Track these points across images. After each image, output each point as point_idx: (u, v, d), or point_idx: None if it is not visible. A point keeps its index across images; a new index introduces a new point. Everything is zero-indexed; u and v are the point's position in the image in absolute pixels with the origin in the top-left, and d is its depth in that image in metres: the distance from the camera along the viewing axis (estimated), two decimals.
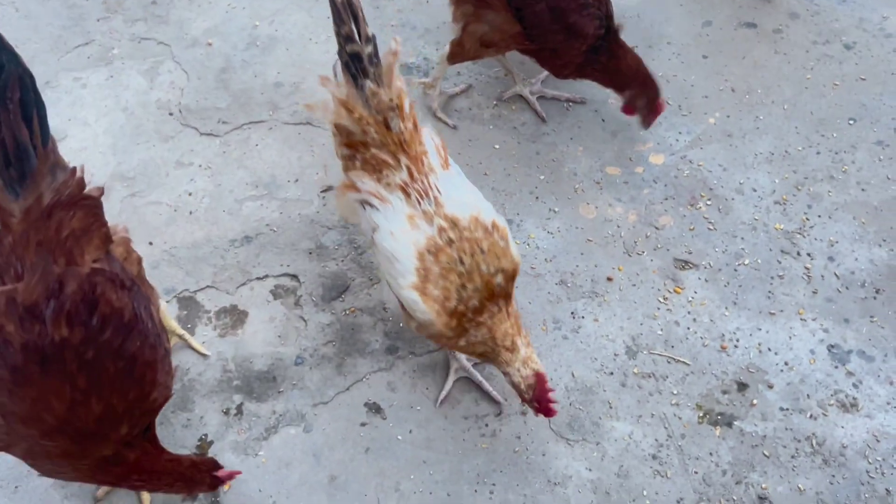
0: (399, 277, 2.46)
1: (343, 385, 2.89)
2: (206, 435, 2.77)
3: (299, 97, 3.64)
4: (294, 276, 3.14)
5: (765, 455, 2.75)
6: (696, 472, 2.72)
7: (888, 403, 2.87)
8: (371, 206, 2.53)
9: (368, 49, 2.50)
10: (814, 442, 2.78)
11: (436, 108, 3.55)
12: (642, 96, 3.32)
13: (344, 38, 2.50)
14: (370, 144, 2.54)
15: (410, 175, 2.50)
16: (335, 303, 3.08)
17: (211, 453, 2.73)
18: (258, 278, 3.13)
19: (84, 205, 2.21)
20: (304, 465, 2.73)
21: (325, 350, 2.97)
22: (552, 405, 2.47)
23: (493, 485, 2.70)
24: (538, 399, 2.47)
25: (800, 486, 2.70)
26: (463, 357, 2.86)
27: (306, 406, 2.85)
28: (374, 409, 2.85)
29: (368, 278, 3.13)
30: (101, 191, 2.31)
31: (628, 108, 3.39)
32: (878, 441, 2.78)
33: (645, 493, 2.68)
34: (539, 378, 2.47)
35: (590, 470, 2.73)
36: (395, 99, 2.52)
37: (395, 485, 2.70)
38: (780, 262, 3.20)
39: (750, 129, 3.58)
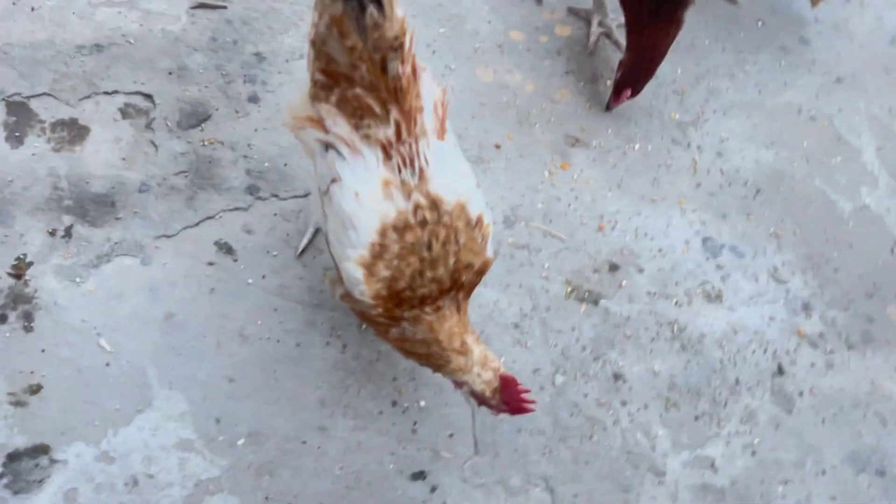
0: (348, 247, 2.03)
1: (192, 220, 2.61)
2: (24, 255, 2.44)
3: None
4: (148, 97, 2.77)
5: (626, 335, 2.72)
6: (556, 345, 2.65)
7: (751, 299, 2.88)
8: (338, 152, 2.03)
9: None
10: (675, 328, 2.77)
11: None
12: (629, 78, 2.94)
13: None
14: (356, 82, 1.98)
15: (398, 133, 2.00)
16: (193, 131, 2.75)
17: (30, 275, 2.41)
18: (106, 93, 2.74)
19: None
20: (137, 299, 2.46)
21: (175, 180, 2.66)
22: (528, 404, 2.08)
23: (348, 339, 2.54)
24: (509, 402, 2.08)
25: (655, 367, 2.69)
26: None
27: (147, 237, 2.55)
28: (225, 248, 2.59)
29: (235, 110, 2.81)
30: None
31: (616, 71, 2.99)
32: (735, 333, 2.80)
33: (502, 359, 2.59)
34: (504, 380, 2.08)
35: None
36: (400, 36, 1.94)
37: (239, 329, 2.48)
38: (669, 152, 3.12)
39: None
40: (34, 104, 2.67)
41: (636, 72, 2.97)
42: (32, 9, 2.82)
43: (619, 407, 2.61)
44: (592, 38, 3.25)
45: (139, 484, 2.24)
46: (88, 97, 2.72)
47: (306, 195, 2.71)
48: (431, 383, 2.52)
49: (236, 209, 2.65)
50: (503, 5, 3.29)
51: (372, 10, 1.87)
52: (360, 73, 1.97)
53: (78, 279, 2.45)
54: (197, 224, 2.61)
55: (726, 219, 3.02)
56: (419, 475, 2.41)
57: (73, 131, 2.66)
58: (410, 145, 2.02)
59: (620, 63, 2.98)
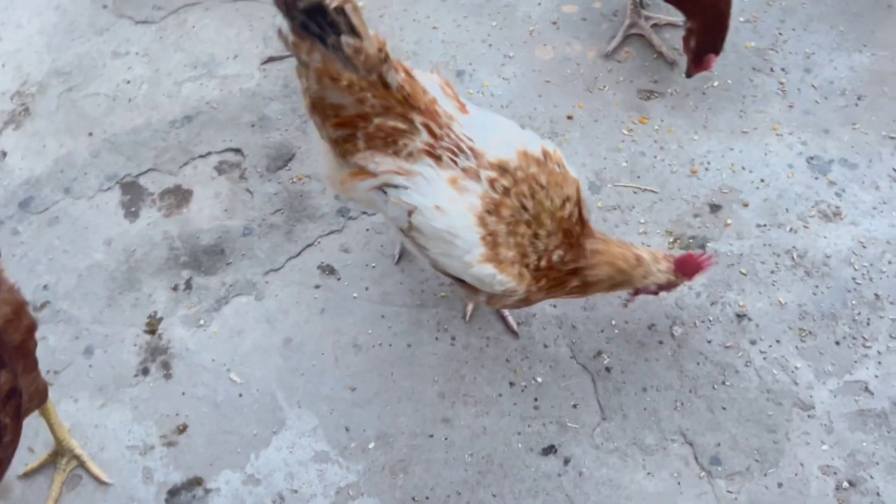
0: (464, 255, 2.03)
1: (294, 251, 2.76)
2: (154, 312, 2.67)
3: None
4: (237, 150, 2.99)
5: (742, 273, 2.57)
6: (666, 297, 2.55)
7: (874, 209, 2.65)
8: (396, 186, 2.04)
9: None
10: (794, 255, 2.59)
11: None
12: (707, 41, 2.76)
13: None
14: (370, 114, 2.00)
15: (431, 133, 2.03)
16: (281, 172, 2.93)
17: (162, 329, 2.64)
18: (201, 156, 2.99)
19: None
20: (256, 332, 2.62)
21: (273, 219, 2.83)
22: (706, 262, 2.22)
23: (455, 331, 2.57)
24: (692, 273, 2.23)
25: (780, 299, 2.52)
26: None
27: (257, 275, 2.73)
28: (328, 270, 2.72)
29: (315, 144, 2.97)
30: None
31: (685, 39, 2.83)
32: (864, 247, 2.58)
33: (614, 322, 2.53)
34: (678, 262, 2.21)
35: (555, 307, 2.57)
36: (382, 47, 1.94)
37: (352, 340, 2.58)
38: (751, 81, 2.96)
39: None
40: (143, 181, 2.95)
41: (710, 33, 2.73)
42: (129, 100, 3.15)
43: (749, 346, 2.46)
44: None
45: (285, 500, 2.36)
46: (186, 164, 2.98)
47: None
48: (546, 358, 2.50)
49: (332, 232, 2.79)
50: None
51: (346, 39, 1.88)
52: (370, 104, 1.99)
53: (202, 324, 2.65)
54: (299, 254, 2.76)
55: (829, 133, 2.82)
56: (550, 450, 2.37)
57: (178, 196, 2.92)
58: (447, 135, 2.04)
59: (688, 30, 2.77)
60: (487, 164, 2.03)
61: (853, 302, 2.50)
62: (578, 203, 2.11)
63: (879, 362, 2.40)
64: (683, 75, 2.90)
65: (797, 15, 3.09)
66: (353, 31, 1.89)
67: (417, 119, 2.01)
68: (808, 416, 2.34)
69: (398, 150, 2.02)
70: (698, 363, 2.45)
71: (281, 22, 1.94)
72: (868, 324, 2.46)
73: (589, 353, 2.49)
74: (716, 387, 2.41)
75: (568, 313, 2.56)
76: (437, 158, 2.02)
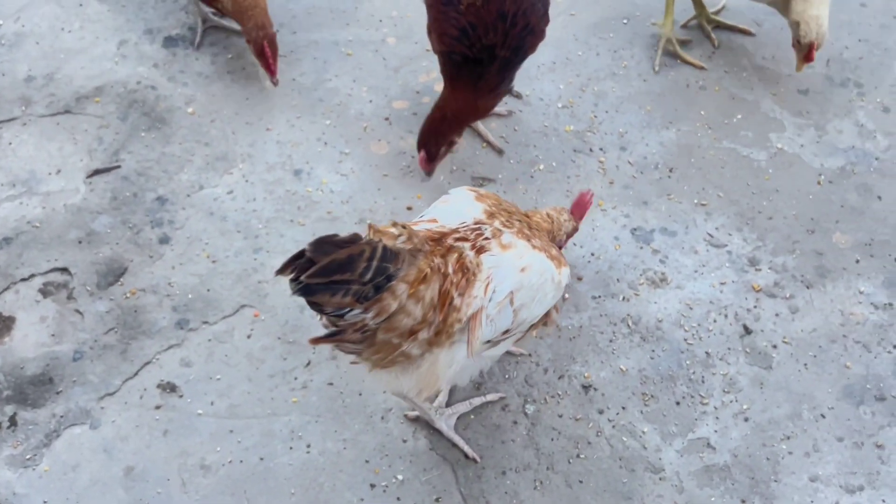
0: (553, 281, 2.21)
1: (130, 371, 2.61)
2: None
3: (54, 87, 3.33)
4: (64, 270, 2.82)
5: (583, 345, 2.67)
6: (516, 376, 2.60)
7: (695, 272, 2.85)
8: (493, 301, 2.10)
9: (378, 242, 1.91)
10: (629, 322, 2.72)
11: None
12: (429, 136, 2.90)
13: (363, 270, 1.86)
14: (445, 270, 2.04)
15: (461, 239, 2.13)
16: (113, 288, 2.78)
17: None
18: (23, 279, 2.80)
19: None
20: (94, 464, 2.43)
21: (106, 339, 2.67)
22: (588, 200, 2.64)
23: (310, 437, 2.49)
24: (582, 212, 2.64)
25: (622, 367, 2.63)
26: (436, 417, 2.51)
27: (91, 401, 2.54)
28: (169, 388, 2.58)
29: (149, 256, 2.86)
30: None
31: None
32: (690, 309, 2.75)
33: (472, 417, 2.54)
34: (573, 208, 2.61)
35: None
36: (404, 225, 2.05)
37: (199, 461, 2.44)
38: (574, 162, 3.16)
39: None
40: None
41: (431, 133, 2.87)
42: None
43: (598, 416, 2.53)
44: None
45: None
46: (7, 289, 2.77)
47: (235, 313, 2.73)
48: (405, 453, 2.46)
49: (171, 347, 2.66)
50: (379, 81, 3.40)
51: (399, 243, 1.97)
52: (438, 263, 2.03)
53: (31, 463, 2.42)
54: (136, 374, 2.60)
55: (648, 205, 3.03)
56: None
57: None
58: (463, 233, 2.17)
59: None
60: (487, 221, 2.22)
61: (687, 362, 2.65)
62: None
63: (717, 417, 2.54)
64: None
65: (608, 98, 3.35)
66: (398, 238, 1.98)
67: (451, 240, 2.11)
68: (660, 479, 2.42)
69: (473, 272, 2.09)
70: (552, 439, 2.49)
71: (353, 315, 1.90)
72: (703, 381, 2.61)
73: (447, 443, 2.47)
74: (571, 461, 2.45)
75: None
76: (483, 249, 2.14)
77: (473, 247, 2.12)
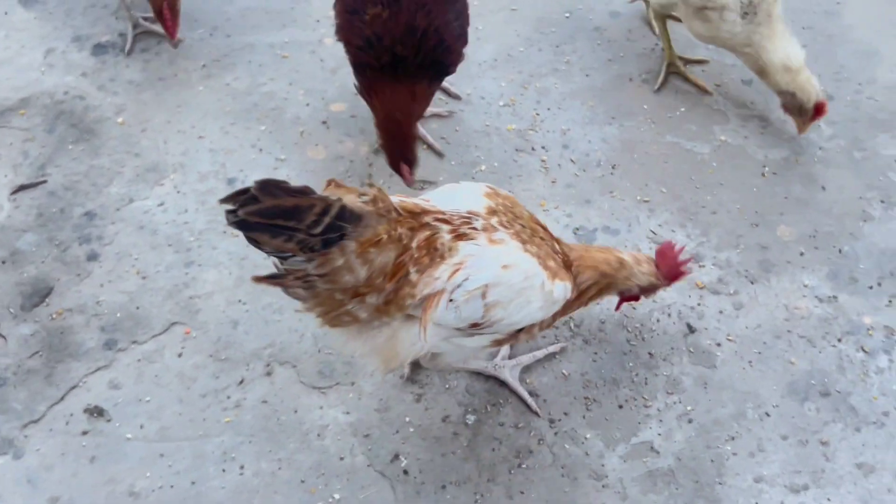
0: (542, 289, 2.10)
1: (56, 396, 2.50)
2: None
3: None
4: None
5: (524, 350, 2.61)
6: (456, 385, 2.53)
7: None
8: (459, 286, 2.01)
9: (336, 200, 1.84)
10: (571, 325, 2.66)
11: None
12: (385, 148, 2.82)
13: (313, 223, 1.80)
14: (408, 243, 1.97)
15: (444, 222, 2.05)
16: (38, 310, 2.67)
17: None
18: None
19: None
20: (16, 497, 2.32)
21: (30, 363, 2.56)
22: (684, 264, 2.40)
23: (244, 458, 2.40)
24: (671, 275, 2.40)
25: (564, 371, 2.57)
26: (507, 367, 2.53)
27: (13, 430, 2.44)
28: (96, 412, 2.48)
29: (76, 274, 2.75)
30: None
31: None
32: (633, 309, 2.69)
33: (408, 419, 2.47)
34: (658, 258, 2.38)
35: (348, 413, 2.48)
36: (372, 184, 2.00)
37: (128, 488, 2.34)
38: (516, 161, 3.09)
39: (472, 41, 3.43)
40: None
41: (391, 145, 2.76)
42: None
43: (540, 423, 2.47)
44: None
45: None
46: None
47: (165, 331, 2.64)
48: (342, 471, 2.38)
49: (99, 370, 2.56)
50: (316, 84, 3.31)
51: (362, 204, 1.90)
52: (403, 234, 1.96)
53: None
54: (62, 398, 2.50)
55: (591, 203, 2.97)
56: None
57: None
58: (450, 218, 2.07)
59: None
60: (485, 215, 2.10)
61: (630, 364, 2.59)
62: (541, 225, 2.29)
63: (660, 420, 2.49)
64: None
65: (551, 95, 3.28)
66: (361, 197, 1.91)
67: (429, 219, 2.04)
68: (603, 486, 2.36)
69: (441, 253, 2.01)
70: (494, 449, 2.43)
71: (295, 262, 1.86)
72: (646, 383, 2.56)
73: (386, 458, 2.41)
74: (513, 471, 2.39)
75: (362, 419, 2.47)
76: (465, 236, 2.05)
77: (454, 231, 2.04)
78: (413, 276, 1.98)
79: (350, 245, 1.88)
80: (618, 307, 2.54)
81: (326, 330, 2.08)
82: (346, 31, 2.70)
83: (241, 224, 1.78)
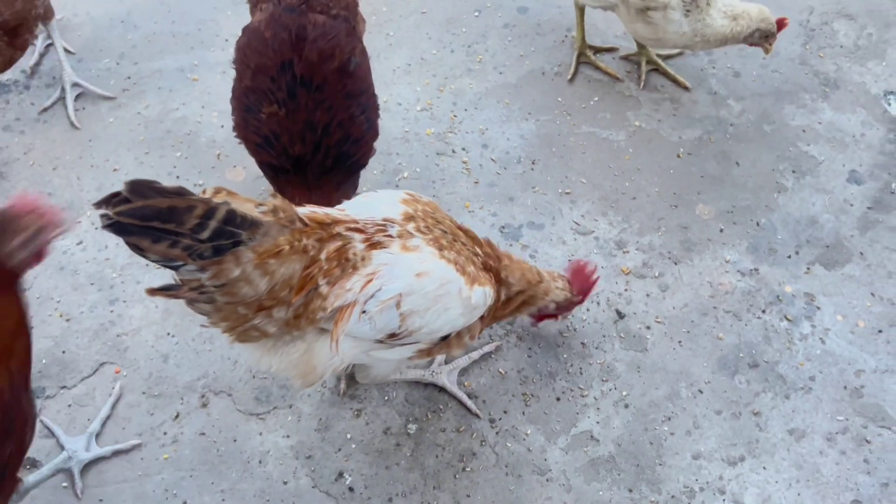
0: (460, 296, 2.07)
1: None
2: None
3: None
4: None
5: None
6: (396, 396, 2.54)
7: (567, 261, 2.84)
8: (372, 297, 1.97)
9: (222, 204, 1.78)
10: (504, 323, 2.69)
11: None
12: None
13: (196, 226, 1.75)
14: (316, 255, 1.92)
15: (357, 231, 2.00)
16: None
17: None
18: None
19: None
20: None
21: None
22: (594, 274, 2.48)
23: (186, 494, 2.37)
24: (583, 289, 2.48)
25: (500, 370, 2.60)
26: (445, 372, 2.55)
27: None
28: (29, 463, 2.41)
29: None
30: None
31: None
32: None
33: (349, 436, 2.46)
34: (572, 272, 2.47)
35: (288, 436, 2.46)
36: (274, 194, 2.02)
37: None
38: (437, 165, 3.10)
39: (384, 48, 3.47)
40: None
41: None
42: None
43: (481, 424, 2.49)
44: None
45: None
46: None
47: (95, 373, 2.58)
48: (287, 496, 2.36)
49: None
50: (230, 106, 3.26)
51: (260, 214, 1.85)
52: (310, 245, 1.92)
53: None
54: None
55: (514, 201, 3.00)
56: None
57: None
58: (363, 226, 2.03)
59: None
60: (401, 222, 2.07)
61: (564, 355, 2.63)
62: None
63: (598, 408, 2.54)
64: None
65: (466, 96, 3.30)
66: (259, 207, 1.86)
67: (340, 229, 1.99)
68: (547, 481, 2.40)
69: (353, 263, 1.97)
70: (437, 455, 2.44)
71: (187, 271, 1.80)
72: (581, 373, 2.60)
73: (330, 478, 2.40)
74: (458, 476, 2.41)
75: (303, 440, 2.46)
76: (379, 244, 2.01)
77: (367, 240, 2.00)
78: (323, 289, 1.94)
79: (246, 254, 1.82)
80: (535, 324, 2.58)
81: (237, 346, 2.03)
82: (243, 128, 2.58)
83: (116, 227, 1.70)
